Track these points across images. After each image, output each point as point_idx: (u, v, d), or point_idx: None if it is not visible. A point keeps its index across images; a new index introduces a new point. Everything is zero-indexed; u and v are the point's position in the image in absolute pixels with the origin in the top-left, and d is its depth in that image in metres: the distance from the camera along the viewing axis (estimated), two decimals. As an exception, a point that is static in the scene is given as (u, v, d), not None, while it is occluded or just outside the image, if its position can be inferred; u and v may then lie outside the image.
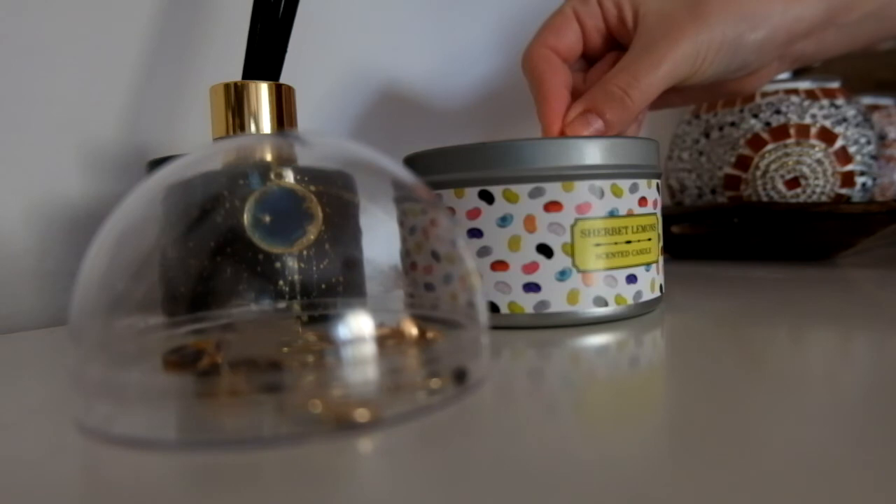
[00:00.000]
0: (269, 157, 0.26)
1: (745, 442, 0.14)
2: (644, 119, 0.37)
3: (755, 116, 0.51)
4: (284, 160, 0.26)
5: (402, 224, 0.26)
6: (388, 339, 0.21)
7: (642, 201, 0.27)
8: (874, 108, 0.62)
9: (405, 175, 0.22)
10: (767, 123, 0.50)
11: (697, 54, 0.31)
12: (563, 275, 0.26)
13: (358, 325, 0.20)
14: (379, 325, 0.21)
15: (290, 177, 0.26)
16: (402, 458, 0.15)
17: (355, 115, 0.51)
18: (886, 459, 0.13)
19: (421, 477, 0.14)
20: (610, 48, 0.35)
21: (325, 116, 0.49)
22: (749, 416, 0.16)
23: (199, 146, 0.25)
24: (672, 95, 0.34)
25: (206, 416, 0.17)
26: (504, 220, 0.26)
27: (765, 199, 0.50)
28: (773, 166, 0.50)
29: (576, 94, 0.34)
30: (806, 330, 0.25)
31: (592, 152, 0.26)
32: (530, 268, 0.26)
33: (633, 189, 0.27)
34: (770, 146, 0.50)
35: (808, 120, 0.50)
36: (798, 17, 0.32)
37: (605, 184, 0.26)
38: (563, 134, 0.32)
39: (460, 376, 0.18)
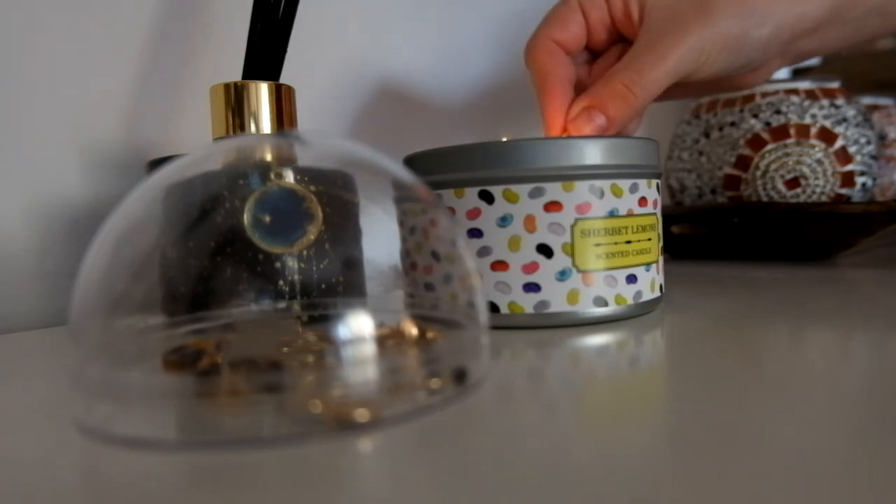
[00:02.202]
0: (269, 157, 0.26)
1: (745, 442, 0.14)
2: (645, 113, 0.37)
3: (755, 116, 0.51)
4: (284, 160, 0.26)
5: (402, 224, 0.26)
6: (388, 339, 0.21)
7: (642, 201, 0.27)
8: (874, 108, 0.62)
9: (405, 175, 0.22)
10: (767, 123, 0.50)
11: (702, 51, 0.31)
12: (563, 275, 0.26)
13: (358, 325, 0.20)
14: (379, 325, 0.21)
15: (290, 177, 0.26)
16: (402, 458, 0.15)
17: (355, 115, 0.51)
18: (886, 459, 0.13)
19: (421, 477, 0.14)
20: (614, 41, 0.35)
21: (325, 116, 0.49)
22: (749, 416, 0.16)
23: (199, 146, 0.25)
24: (674, 89, 0.34)
25: (206, 416, 0.17)
26: (504, 220, 0.26)
27: (765, 199, 0.50)
28: (773, 166, 0.50)
29: (580, 87, 0.34)
30: (806, 330, 0.25)
31: (592, 152, 0.26)
32: (530, 268, 0.26)
33: (633, 189, 0.27)
34: (770, 146, 0.50)
35: (808, 120, 0.50)
36: (803, 15, 0.32)
37: (605, 184, 0.26)
38: (565, 129, 0.32)
39: (460, 376, 0.18)
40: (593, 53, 0.36)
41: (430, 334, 0.21)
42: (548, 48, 0.34)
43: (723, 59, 0.32)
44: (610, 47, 0.35)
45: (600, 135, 0.30)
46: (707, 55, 0.31)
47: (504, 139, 0.32)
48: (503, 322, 0.27)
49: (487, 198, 0.26)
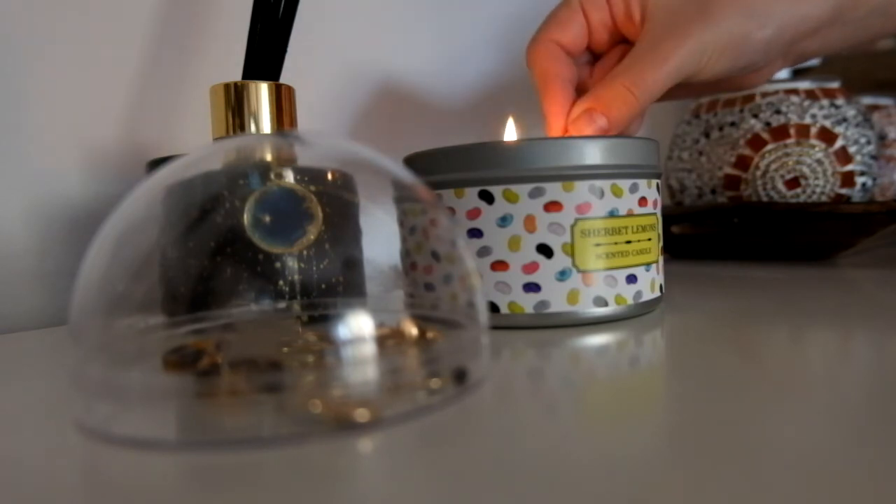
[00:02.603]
0: (269, 157, 0.26)
1: (745, 442, 0.14)
2: (646, 113, 0.37)
3: (755, 116, 0.51)
4: (284, 160, 0.26)
5: (402, 224, 0.26)
6: (388, 339, 0.21)
7: (642, 201, 0.27)
8: (874, 108, 0.62)
9: (405, 175, 0.22)
10: (767, 123, 0.50)
11: (703, 52, 0.31)
12: (563, 275, 0.26)
13: (358, 325, 0.20)
14: (379, 325, 0.21)
15: (290, 177, 0.26)
16: (402, 458, 0.15)
17: (355, 115, 0.51)
18: (886, 459, 0.13)
19: (421, 477, 0.14)
20: (616, 42, 0.35)
21: (325, 116, 0.49)
22: (749, 416, 0.16)
23: (199, 146, 0.25)
24: (675, 90, 0.34)
25: (206, 416, 0.17)
26: (504, 220, 0.26)
27: (765, 199, 0.50)
28: (773, 166, 0.50)
29: (581, 88, 0.34)
30: (806, 330, 0.25)
31: (592, 152, 0.26)
32: (530, 268, 0.26)
33: (633, 189, 0.27)
34: (770, 146, 0.50)
35: (808, 120, 0.50)
36: (805, 16, 0.32)
37: (605, 184, 0.26)
38: (566, 131, 0.32)
39: (460, 376, 0.18)
40: (595, 54, 0.36)
41: (430, 334, 0.21)
42: (549, 49, 0.34)
43: (724, 60, 0.32)
44: (611, 48, 0.35)
45: (601, 135, 0.30)
46: (709, 57, 0.31)
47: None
48: (503, 322, 0.27)
49: (487, 198, 0.26)
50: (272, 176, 0.26)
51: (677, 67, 0.31)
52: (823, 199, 0.50)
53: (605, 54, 0.36)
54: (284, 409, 0.16)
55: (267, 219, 0.25)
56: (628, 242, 0.27)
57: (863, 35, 0.36)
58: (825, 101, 0.50)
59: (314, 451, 0.15)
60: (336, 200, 0.27)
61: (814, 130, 0.50)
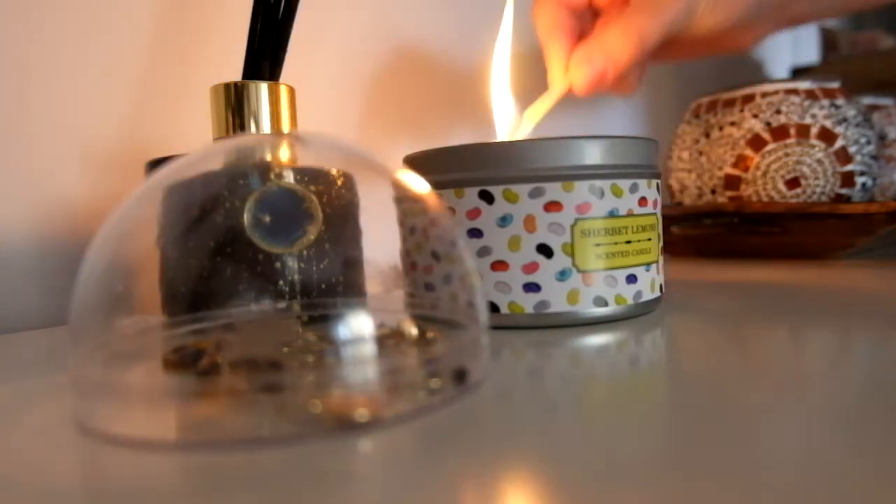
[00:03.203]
0: (269, 157, 0.26)
1: (745, 442, 0.14)
2: (645, 73, 0.38)
3: (755, 116, 0.51)
4: (284, 160, 0.26)
5: (402, 224, 0.26)
6: (388, 339, 0.21)
7: (642, 201, 0.27)
8: (874, 108, 0.62)
9: (405, 175, 0.22)
10: (767, 123, 0.50)
11: (698, 5, 0.33)
12: (563, 275, 0.26)
13: (358, 325, 0.20)
14: (379, 325, 0.21)
15: (290, 177, 0.26)
16: (402, 458, 0.15)
17: (355, 115, 0.51)
18: (886, 459, 0.13)
19: (421, 477, 0.14)
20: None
21: (325, 116, 0.49)
22: (749, 416, 0.16)
23: (199, 146, 0.25)
24: (670, 49, 0.36)
25: (206, 416, 0.17)
26: (504, 220, 0.26)
27: (765, 199, 0.50)
28: (773, 166, 0.50)
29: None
30: (806, 330, 0.25)
31: (592, 152, 0.26)
32: (530, 268, 0.26)
33: (633, 189, 0.27)
34: (770, 146, 0.50)
35: (808, 120, 0.50)
36: None
37: (605, 184, 0.26)
38: (567, 71, 0.33)
39: (460, 376, 0.18)
40: (597, 12, 0.38)
41: (430, 334, 0.21)
42: (553, 6, 0.36)
43: (717, 14, 0.33)
44: (612, 4, 0.37)
45: (600, 81, 0.32)
46: (702, 10, 0.33)
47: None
48: (503, 322, 0.27)
49: (487, 198, 0.26)
50: (272, 176, 0.26)
51: (672, 19, 0.33)
52: (823, 199, 0.50)
53: (606, 10, 0.37)
54: (284, 409, 0.16)
55: (267, 219, 0.25)
56: (628, 242, 0.27)
57: (854, 1, 0.37)
58: (825, 101, 0.50)
59: (314, 451, 0.15)
60: (336, 200, 0.27)
61: (814, 130, 0.50)
